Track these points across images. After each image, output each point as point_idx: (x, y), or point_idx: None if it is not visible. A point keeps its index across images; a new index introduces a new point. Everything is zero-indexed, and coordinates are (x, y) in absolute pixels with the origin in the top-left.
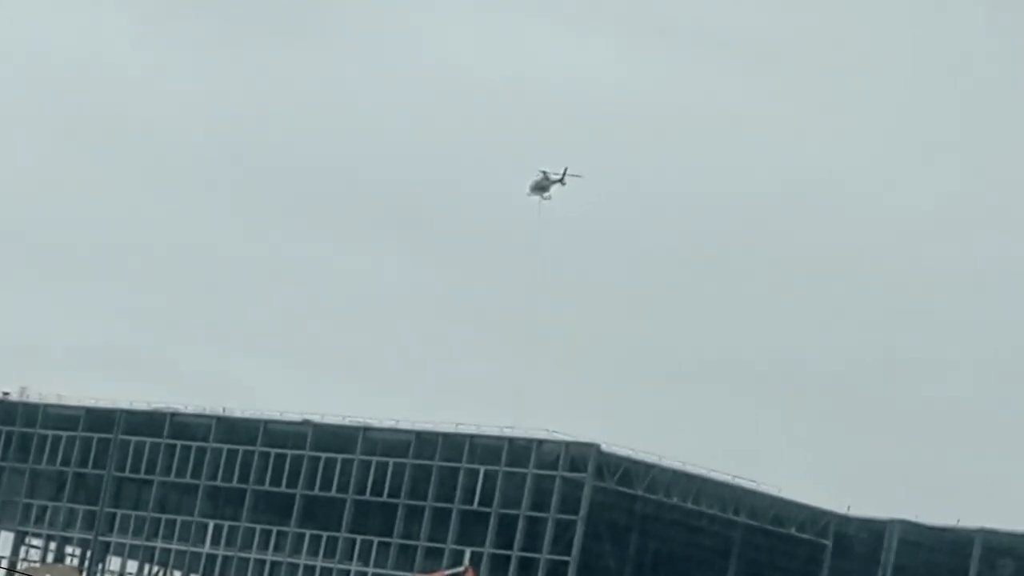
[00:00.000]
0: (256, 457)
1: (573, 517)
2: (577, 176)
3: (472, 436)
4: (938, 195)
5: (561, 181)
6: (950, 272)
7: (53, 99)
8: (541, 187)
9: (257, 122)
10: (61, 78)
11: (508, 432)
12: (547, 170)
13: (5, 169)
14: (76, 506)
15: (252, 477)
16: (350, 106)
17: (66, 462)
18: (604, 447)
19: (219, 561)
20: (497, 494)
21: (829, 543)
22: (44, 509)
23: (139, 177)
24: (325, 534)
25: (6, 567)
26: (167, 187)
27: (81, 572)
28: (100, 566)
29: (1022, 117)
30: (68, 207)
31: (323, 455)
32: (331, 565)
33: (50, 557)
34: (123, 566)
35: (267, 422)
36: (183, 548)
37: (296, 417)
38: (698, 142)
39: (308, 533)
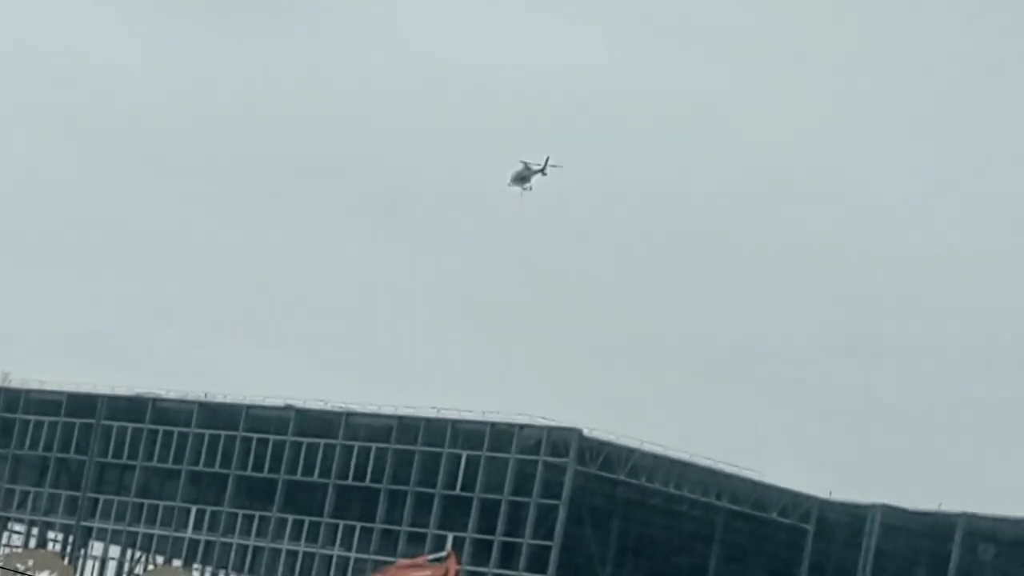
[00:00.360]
0: (238, 442)
1: (555, 502)
2: (557, 166)
3: (454, 421)
4: (923, 182)
5: (543, 172)
6: (932, 259)
7: (34, 88)
8: (522, 178)
9: (240, 110)
10: (44, 68)
11: (490, 417)
12: (528, 161)
13: None
14: (58, 491)
15: (234, 462)
16: (333, 94)
17: (48, 447)
18: (586, 432)
19: (201, 546)
20: (479, 479)
21: (811, 527)
22: (26, 494)
23: (119, 164)
24: (307, 519)
25: None
26: (148, 174)
27: (63, 557)
28: (82, 551)
29: (1006, 107)
30: (49, 194)
31: (305, 440)
32: (313, 550)
33: (32, 542)
34: (105, 551)
35: (249, 407)
36: (165, 533)
37: (278, 402)
38: (681, 131)
39: (290, 518)
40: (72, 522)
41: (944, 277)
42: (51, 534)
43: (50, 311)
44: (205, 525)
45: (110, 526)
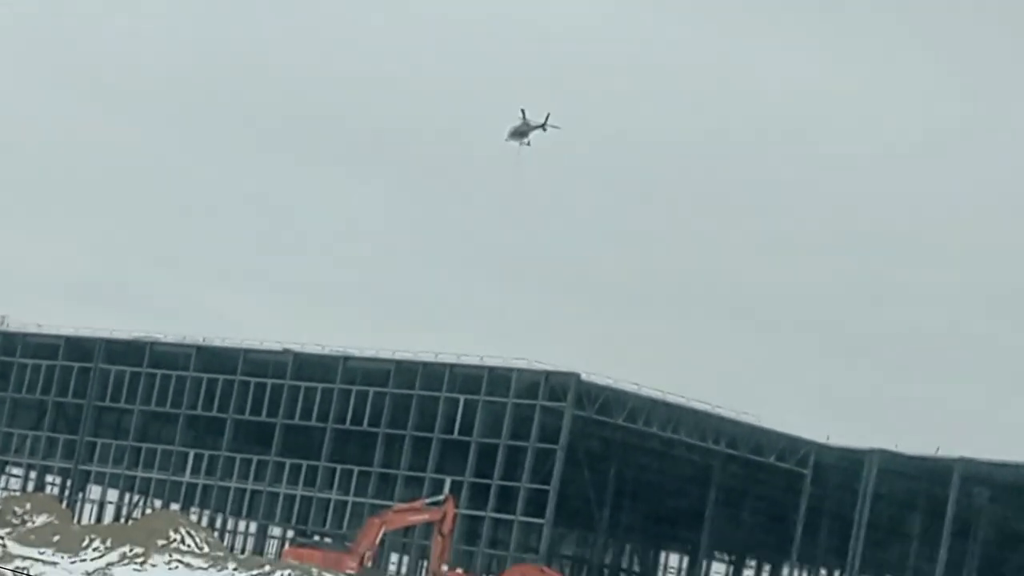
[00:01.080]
0: (236, 386)
1: (553, 446)
2: (556, 127)
3: (452, 365)
4: (930, 124)
5: (543, 127)
6: (935, 204)
7: (27, 34)
8: (521, 132)
9: (242, 57)
10: (30, 12)
11: (488, 361)
12: (528, 116)
13: None
14: (56, 435)
15: (232, 406)
16: (335, 45)
17: (46, 391)
18: (584, 376)
19: (199, 490)
20: (477, 423)
21: (808, 472)
22: (24, 438)
23: (120, 110)
24: (305, 463)
25: None
26: (149, 120)
27: (61, 501)
28: (80, 495)
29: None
30: (47, 138)
31: (303, 384)
32: (311, 494)
33: (30, 486)
34: (103, 495)
35: (247, 351)
36: (163, 477)
37: (276, 346)
38: (676, 83)
39: (288, 462)
40: (70, 466)
41: (946, 222)
42: (49, 478)
43: (48, 255)
44: (203, 469)
45: (108, 470)
